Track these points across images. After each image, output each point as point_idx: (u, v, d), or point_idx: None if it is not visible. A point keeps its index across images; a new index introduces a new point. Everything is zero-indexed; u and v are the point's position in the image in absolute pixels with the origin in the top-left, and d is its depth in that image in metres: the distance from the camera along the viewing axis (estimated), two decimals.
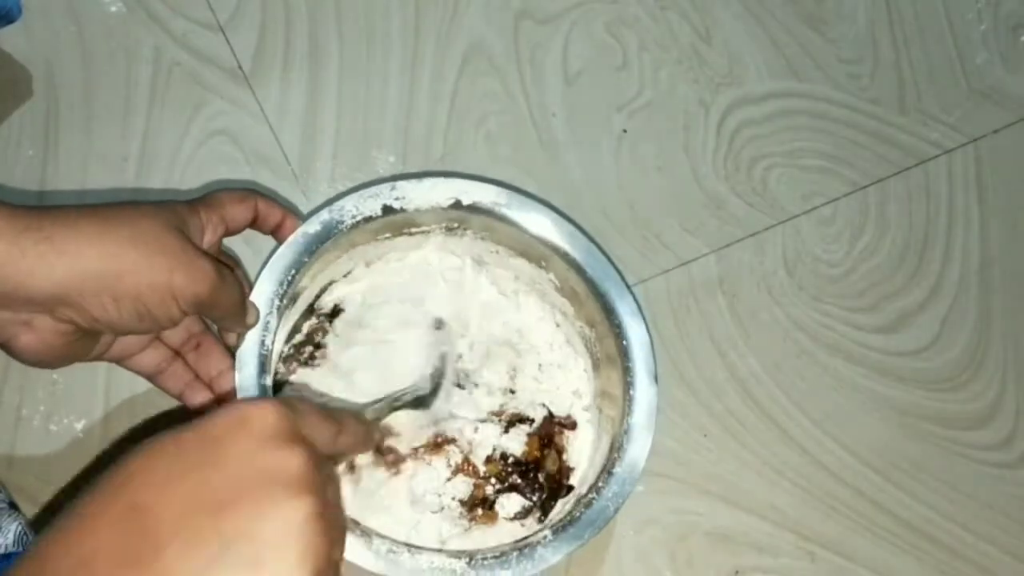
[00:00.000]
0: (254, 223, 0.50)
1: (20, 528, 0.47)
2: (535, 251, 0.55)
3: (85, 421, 0.54)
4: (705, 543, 0.57)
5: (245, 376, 0.49)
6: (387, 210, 0.53)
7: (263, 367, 0.49)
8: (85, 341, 0.45)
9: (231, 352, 0.50)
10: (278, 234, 0.51)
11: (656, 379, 0.52)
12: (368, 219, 0.53)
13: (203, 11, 0.64)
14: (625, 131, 0.66)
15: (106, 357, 0.48)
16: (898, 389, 0.62)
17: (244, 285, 0.49)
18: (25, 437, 0.53)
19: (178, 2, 0.64)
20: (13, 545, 0.46)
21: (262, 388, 0.48)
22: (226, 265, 0.46)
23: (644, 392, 0.52)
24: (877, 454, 0.60)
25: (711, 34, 0.70)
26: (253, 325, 0.49)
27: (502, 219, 0.54)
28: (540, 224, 0.54)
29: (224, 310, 0.46)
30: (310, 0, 0.66)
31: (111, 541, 0.31)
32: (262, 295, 0.50)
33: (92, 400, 0.54)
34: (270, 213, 0.50)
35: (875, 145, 0.69)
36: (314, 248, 0.51)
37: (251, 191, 0.50)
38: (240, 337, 0.49)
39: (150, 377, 0.50)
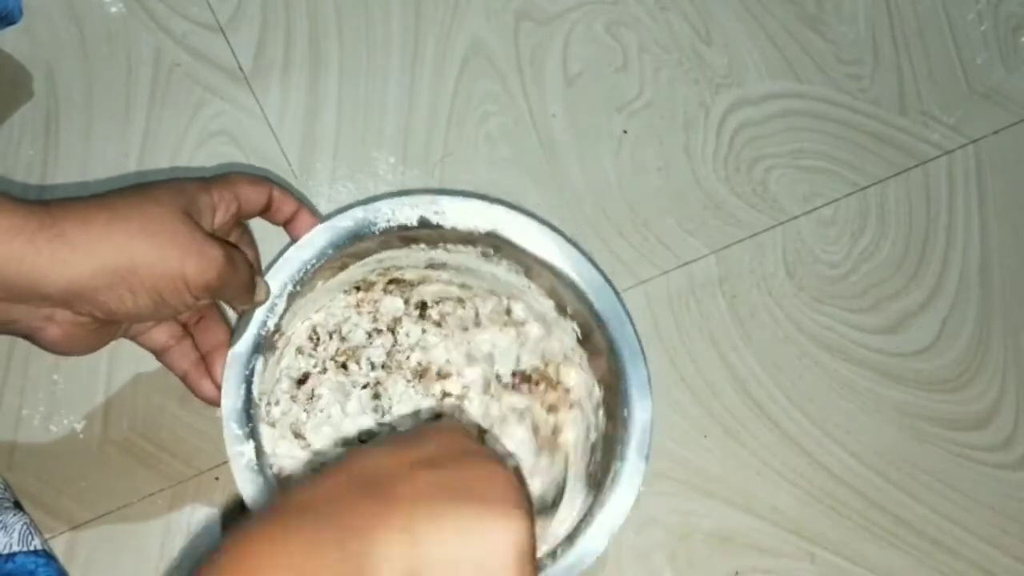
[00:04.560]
0: (266, 211, 0.50)
1: (24, 527, 0.47)
2: (563, 296, 0.54)
3: (85, 422, 0.54)
4: (705, 544, 0.57)
5: (237, 352, 0.49)
6: (423, 222, 0.52)
7: (258, 346, 0.49)
8: (108, 328, 0.46)
9: (231, 326, 0.51)
10: (290, 227, 0.51)
11: (647, 458, 0.50)
12: (402, 227, 0.52)
13: (203, 11, 0.64)
14: (625, 132, 0.66)
15: (125, 335, 0.49)
16: (898, 390, 0.62)
17: (254, 262, 0.49)
18: (25, 437, 0.53)
19: (178, 2, 0.64)
20: (17, 544, 0.46)
21: (249, 369, 0.49)
22: (234, 246, 0.46)
23: (630, 470, 0.50)
24: (877, 455, 0.60)
25: (711, 35, 0.70)
26: (263, 302, 0.49)
27: (537, 257, 0.53)
28: (572, 269, 0.53)
29: (233, 292, 0.46)
30: (310, 0, 0.66)
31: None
32: (277, 277, 0.50)
33: (92, 400, 0.54)
34: (284, 202, 0.50)
35: (875, 146, 0.69)
36: (341, 243, 0.51)
37: (267, 178, 0.50)
38: (247, 313, 0.50)
39: (158, 354, 0.50)
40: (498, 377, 0.56)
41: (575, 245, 0.54)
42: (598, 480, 0.51)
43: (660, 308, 0.62)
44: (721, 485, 0.58)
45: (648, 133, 0.67)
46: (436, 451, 0.38)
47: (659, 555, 0.56)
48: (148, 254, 0.42)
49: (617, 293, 0.53)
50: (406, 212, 0.52)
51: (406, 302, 0.57)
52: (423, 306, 0.57)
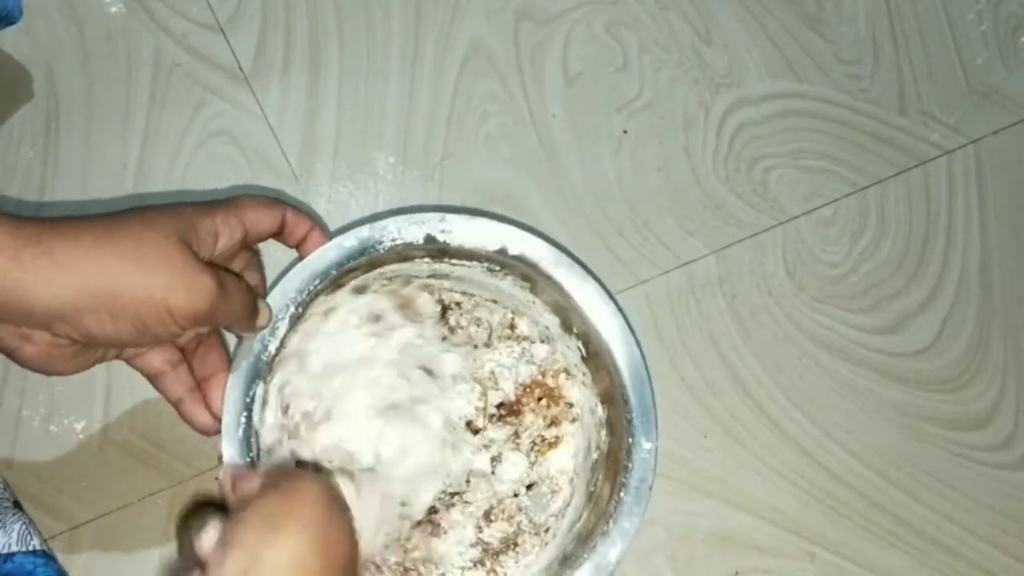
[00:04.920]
0: (280, 234, 0.49)
1: (23, 527, 0.47)
2: (570, 317, 0.54)
3: (85, 422, 0.54)
4: (705, 544, 0.57)
5: (237, 379, 0.48)
6: (430, 240, 0.51)
7: (258, 372, 0.49)
8: (89, 352, 0.45)
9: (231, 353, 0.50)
10: (302, 248, 0.50)
11: (651, 488, 0.50)
12: (408, 245, 0.51)
13: (203, 11, 0.64)
14: (625, 132, 0.66)
15: (116, 356, 0.48)
16: (898, 390, 0.62)
17: (254, 288, 0.48)
18: (25, 438, 0.53)
19: (178, 2, 0.64)
20: (16, 544, 0.46)
21: (250, 396, 0.48)
22: (236, 274, 0.46)
23: (631, 501, 0.50)
24: (877, 455, 0.60)
25: (711, 35, 0.70)
26: (264, 328, 0.48)
27: (546, 277, 0.53)
28: (583, 294, 0.52)
29: (228, 320, 0.45)
30: (310, 0, 0.66)
31: None
32: (278, 299, 0.49)
33: (92, 402, 0.54)
34: (298, 224, 0.49)
35: (875, 146, 0.69)
36: (345, 262, 0.50)
37: (280, 200, 0.49)
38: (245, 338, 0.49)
39: (152, 379, 0.49)
40: (484, 410, 0.56)
41: (585, 267, 0.53)
42: (600, 502, 0.51)
43: (660, 308, 0.62)
44: (721, 485, 0.58)
45: (648, 133, 0.67)
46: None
47: (659, 555, 0.56)
48: (132, 278, 0.40)
49: (627, 319, 0.52)
50: (412, 231, 0.51)
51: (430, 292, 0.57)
52: (443, 307, 0.57)
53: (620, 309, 0.53)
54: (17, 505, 0.48)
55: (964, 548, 0.59)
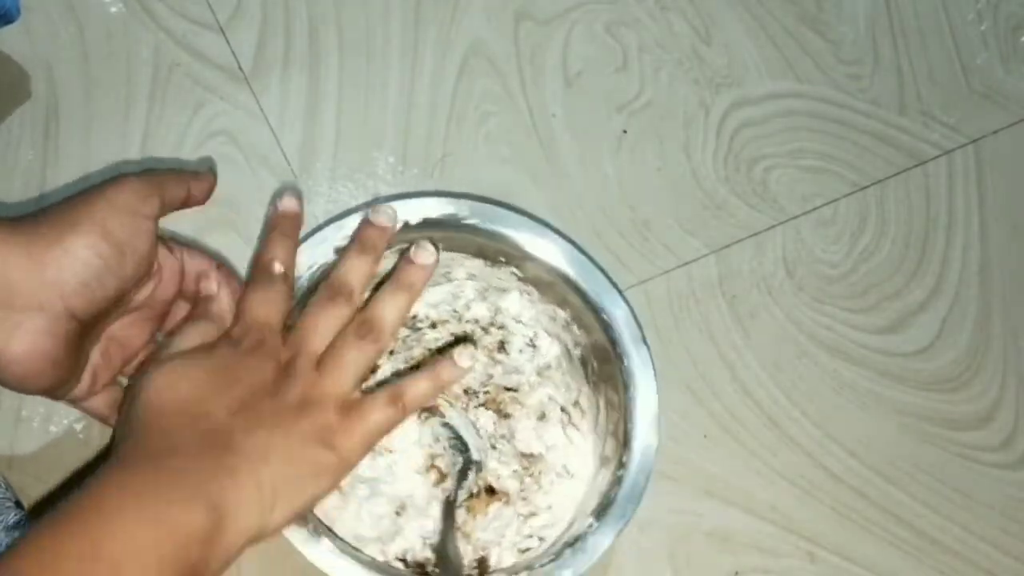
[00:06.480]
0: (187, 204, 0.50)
1: (24, 527, 0.47)
2: (555, 293, 0.56)
3: (85, 422, 0.54)
4: (705, 544, 0.57)
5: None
6: (339, 253, 0.53)
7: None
8: (75, 347, 0.44)
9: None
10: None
11: (646, 342, 0.53)
12: (323, 267, 0.53)
13: (203, 11, 0.64)
14: (625, 131, 0.66)
15: (75, 396, 0.48)
16: (898, 390, 0.62)
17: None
18: (25, 438, 0.53)
19: (178, 2, 0.64)
20: None
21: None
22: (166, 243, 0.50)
23: (640, 363, 0.53)
24: (877, 455, 0.60)
25: (711, 34, 0.70)
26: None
27: (529, 257, 0.55)
28: (558, 260, 0.55)
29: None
30: (310, 0, 0.66)
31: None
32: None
33: None
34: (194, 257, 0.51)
35: (875, 146, 0.69)
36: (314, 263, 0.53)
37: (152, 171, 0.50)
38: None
39: (105, 420, 0.50)
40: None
41: (569, 240, 0.55)
42: (609, 387, 0.54)
43: (660, 308, 0.62)
44: (721, 485, 0.58)
45: (648, 133, 0.67)
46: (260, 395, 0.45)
47: (659, 555, 0.56)
48: (92, 208, 0.44)
49: (609, 277, 0.55)
50: (320, 250, 0.53)
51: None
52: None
53: (600, 267, 0.55)
54: (18, 505, 0.48)
55: (964, 548, 0.59)
